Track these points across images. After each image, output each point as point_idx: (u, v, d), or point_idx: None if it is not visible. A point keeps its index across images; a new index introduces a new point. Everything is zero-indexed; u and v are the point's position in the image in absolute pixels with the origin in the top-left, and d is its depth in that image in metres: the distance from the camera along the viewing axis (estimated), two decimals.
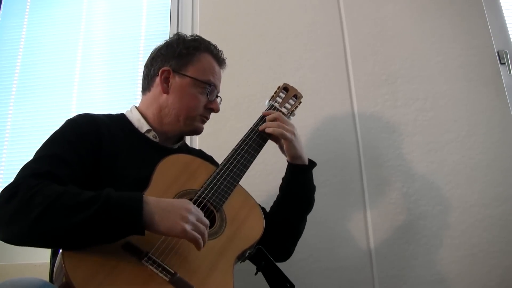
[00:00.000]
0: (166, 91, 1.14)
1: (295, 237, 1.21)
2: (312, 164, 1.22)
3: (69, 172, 0.92)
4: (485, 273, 1.46)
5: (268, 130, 1.14)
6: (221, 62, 1.22)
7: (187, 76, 1.14)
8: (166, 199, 0.87)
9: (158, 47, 1.21)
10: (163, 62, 1.16)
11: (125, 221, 0.79)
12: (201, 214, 0.88)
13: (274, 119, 1.16)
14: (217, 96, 1.20)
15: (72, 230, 0.78)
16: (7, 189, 0.84)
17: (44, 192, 0.81)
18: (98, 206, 0.79)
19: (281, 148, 1.21)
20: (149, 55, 1.22)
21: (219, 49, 1.22)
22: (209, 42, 1.21)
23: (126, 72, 1.92)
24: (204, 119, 1.19)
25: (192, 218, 0.84)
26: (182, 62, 1.15)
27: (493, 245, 1.49)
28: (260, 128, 1.15)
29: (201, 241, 0.83)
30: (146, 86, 1.20)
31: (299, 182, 1.19)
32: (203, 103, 1.15)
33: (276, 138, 1.18)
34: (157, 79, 1.15)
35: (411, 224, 1.53)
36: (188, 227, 0.82)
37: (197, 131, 1.19)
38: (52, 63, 1.94)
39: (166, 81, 1.14)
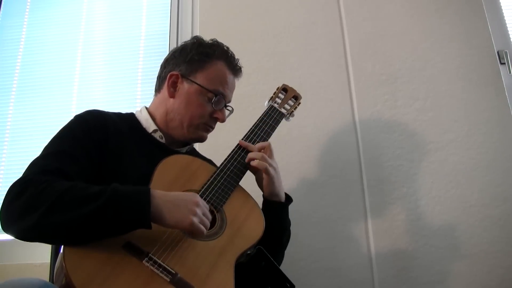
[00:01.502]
0: (172, 95, 1.13)
1: (278, 258, 1.13)
2: (288, 200, 1.16)
3: (77, 168, 0.93)
4: (485, 273, 1.46)
5: (253, 163, 1.08)
6: (236, 71, 1.19)
7: (195, 83, 1.12)
8: (174, 193, 0.88)
9: (175, 49, 1.20)
10: (174, 66, 1.15)
11: (132, 215, 0.80)
12: (207, 208, 0.90)
13: (260, 150, 1.11)
14: (226, 106, 1.17)
15: (79, 224, 0.78)
16: (16, 185, 0.84)
17: (53, 188, 0.81)
18: (104, 200, 0.79)
19: (258, 181, 1.13)
20: (167, 54, 1.22)
21: (238, 59, 1.19)
22: (226, 49, 1.18)
23: (126, 72, 1.92)
24: (209, 128, 1.17)
25: (199, 211, 0.86)
26: (192, 68, 1.13)
27: (493, 245, 1.49)
28: (246, 160, 1.09)
29: (204, 233, 0.86)
30: (158, 87, 1.20)
31: (275, 218, 1.11)
32: (208, 112, 1.13)
33: (255, 170, 1.11)
34: (166, 82, 1.15)
35: (411, 224, 1.53)
36: (195, 220, 0.84)
37: (200, 140, 1.18)
38: (52, 63, 1.94)
39: (173, 85, 1.13)
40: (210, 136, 1.61)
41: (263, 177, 1.10)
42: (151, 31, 1.99)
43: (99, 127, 1.02)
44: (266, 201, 1.13)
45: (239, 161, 1.09)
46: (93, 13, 2.06)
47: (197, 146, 1.62)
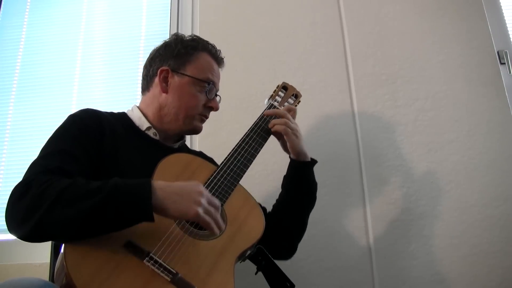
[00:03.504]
0: (165, 90, 1.14)
1: (301, 233, 1.22)
2: (313, 161, 1.23)
3: (78, 167, 0.93)
4: (485, 273, 1.46)
5: (275, 128, 1.16)
6: (219, 61, 1.23)
7: (186, 75, 1.14)
8: (176, 183, 0.88)
9: (157, 47, 1.22)
10: (161, 62, 1.17)
11: (134, 207, 0.80)
12: (211, 195, 0.89)
13: (280, 116, 1.18)
14: (216, 95, 1.21)
15: (81, 218, 0.78)
16: (19, 186, 0.84)
17: (54, 186, 0.81)
18: (106, 193, 0.79)
19: (283, 145, 1.22)
20: (148, 56, 1.23)
21: (218, 48, 1.23)
22: (207, 42, 1.22)
23: (126, 72, 1.92)
24: (204, 118, 1.19)
25: (204, 201, 0.85)
26: (181, 62, 1.15)
27: (493, 245, 1.49)
28: (270, 125, 1.17)
29: (213, 224, 0.84)
30: (146, 86, 1.20)
31: (303, 177, 1.20)
32: (202, 101, 1.16)
33: (279, 135, 1.19)
34: (156, 79, 1.16)
35: (411, 224, 1.53)
36: (200, 210, 0.83)
37: (196, 130, 1.19)
38: (52, 63, 1.94)
39: (165, 80, 1.15)
40: (210, 136, 1.62)
41: (286, 140, 1.17)
42: (151, 31, 1.99)
43: (95, 126, 1.02)
44: (292, 161, 1.21)
45: (239, 160, 1.09)
46: (93, 13, 2.05)
47: (197, 145, 1.63)
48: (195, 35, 1.24)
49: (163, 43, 1.22)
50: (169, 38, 1.23)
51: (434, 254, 1.50)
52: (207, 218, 0.84)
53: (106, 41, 1.99)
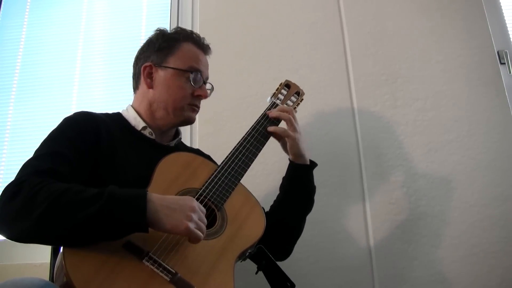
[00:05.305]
0: (150, 86, 1.15)
1: (296, 236, 1.21)
2: (313, 164, 1.22)
3: (71, 169, 0.92)
4: (485, 273, 1.46)
5: (270, 129, 1.15)
6: (204, 48, 1.21)
7: (169, 67, 1.14)
8: (170, 196, 0.88)
9: (142, 45, 1.22)
10: (145, 59, 1.17)
11: (129, 219, 0.79)
12: (204, 213, 0.89)
13: (281, 116, 1.17)
14: (205, 83, 1.19)
15: (75, 227, 0.78)
16: (10, 186, 0.84)
17: (48, 189, 0.81)
18: (101, 204, 0.79)
19: (283, 146, 1.22)
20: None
21: (204, 38, 1.22)
22: (190, 31, 1.21)
23: (126, 72, 1.89)
24: (194, 107, 1.18)
25: (195, 217, 0.85)
26: (162, 55, 1.15)
27: (493, 245, 1.49)
28: (270, 129, 1.16)
29: (201, 239, 0.84)
30: (135, 85, 1.21)
31: (300, 180, 1.20)
32: (189, 91, 1.15)
33: (279, 136, 1.18)
34: (141, 76, 1.16)
35: (411, 224, 1.53)
36: (191, 225, 0.83)
37: (189, 121, 1.18)
38: (52, 63, 1.94)
39: (149, 76, 1.15)
40: (210, 136, 1.62)
41: (286, 140, 1.17)
42: (151, 31, 1.97)
43: (91, 129, 1.02)
44: (291, 163, 1.20)
45: (240, 159, 1.09)
46: (93, 13, 2.05)
47: (197, 145, 1.62)
48: (179, 27, 1.23)
49: (147, 40, 1.22)
50: (152, 34, 1.22)
51: (434, 254, 1.49)
52: (198, 234, 0.84)
53: (106, 41, 1.99)
